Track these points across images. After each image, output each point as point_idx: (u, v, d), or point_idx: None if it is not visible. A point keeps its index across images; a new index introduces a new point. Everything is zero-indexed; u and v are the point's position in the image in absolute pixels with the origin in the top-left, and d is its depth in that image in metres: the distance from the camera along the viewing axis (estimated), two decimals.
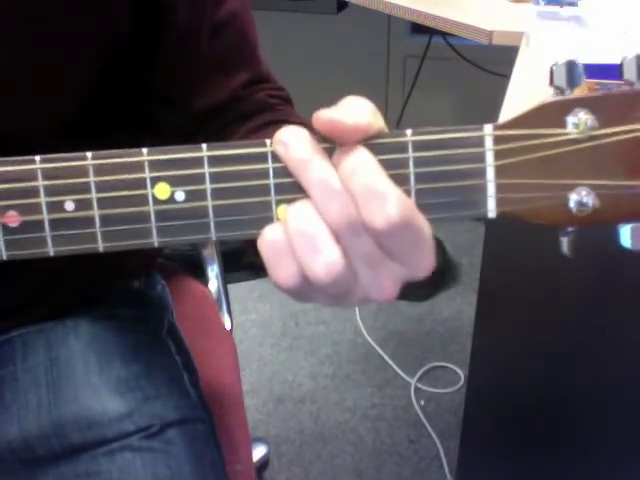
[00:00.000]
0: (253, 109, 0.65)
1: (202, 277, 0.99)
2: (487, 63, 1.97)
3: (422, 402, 1.66)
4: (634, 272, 0.87)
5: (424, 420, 1.60)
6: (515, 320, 0.97)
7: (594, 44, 0.99)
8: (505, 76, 0.96)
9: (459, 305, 1.95)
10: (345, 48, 2.28)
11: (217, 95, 0.65)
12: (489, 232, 0.93)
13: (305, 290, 0.39)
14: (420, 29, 1.78)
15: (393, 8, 1.39)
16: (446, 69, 2.12)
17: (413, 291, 1.94)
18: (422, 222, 0.37)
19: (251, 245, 0.42)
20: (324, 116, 0.37)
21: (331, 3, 1.86)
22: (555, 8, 1.16)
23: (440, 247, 2.02)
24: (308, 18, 2.10)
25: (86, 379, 0.68)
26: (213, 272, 1.00)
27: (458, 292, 2.00)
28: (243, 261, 1.94)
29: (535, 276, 0.93)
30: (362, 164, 0.37)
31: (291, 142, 0.38)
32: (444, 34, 1.87)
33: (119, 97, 0.64)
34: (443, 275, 2.02)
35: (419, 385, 1.70)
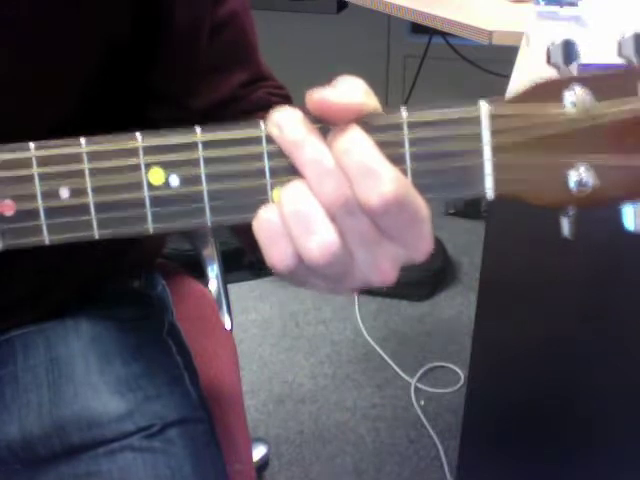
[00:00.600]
0: (252, 107, 0.65)
1: (202, 277, 0.99)
2: (487, 63, 1.97)
3: (422, 402, 1.66)
4: (634, 272, 0.87)
5: (424, 420, 1.60)
6: (515, 320, 0.97)
7: (594, 44, 0.99)
8: (505, 76, 0.96)
9: (459, 305, 1.95)
10: (345, 48, 2.28)
11: (216, 94, 0.65)
12: (489, 232, 0.93)
13: (301, 272, 0.38)
14: (420, 29, 1.79)
15: (393, 8, 1.40)
16: (446, 69, 2.12)
17: (413, 291, 1.94)
18: (419, 201, 0.37)
19: (247, 242, 0.42)
20: (316, 96, 0.37)
21: (331, 3, 1.87)
22: (555, 8, 1.16)
23: (440, 247, 2.02)
24: (308, 18, 2.10)
25: (86, 379, 0.68)
26: (213, 272, 1.00)
27: (458, 292, 2.00)
28: (243, 261, 1.94)
29: (535, 276, 0.93)
30: (356, 143, 0.37)
31: (285, 123, 0.38)
32: (444, 34, 1.87)
33: (118, 96, 0.64)
34: (443, 275, 2.02)
35: (419, 385, 1.70)
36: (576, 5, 1.14)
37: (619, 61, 0.38)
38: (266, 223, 0.38)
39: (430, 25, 1.34)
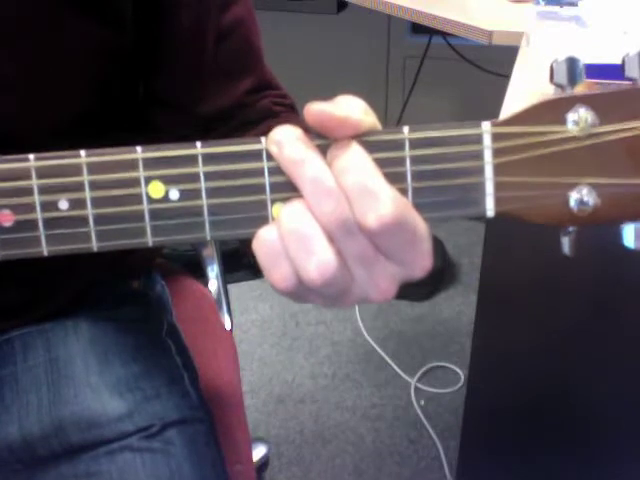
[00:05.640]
0: (257, 116, 0.65)
1: (202, 277, 0.99)
2: (487, 63, 1.97)
3: (422, 402, 1.66)
4: (635, 272, 0.87)
5: (424, 420, 1.60)
6: (515, 320, 0.97)
7: (594, 44, 0.99)
8: (505, 76, 0.96)
9: (459, 305, 1.95)
10: (345, 48, 2.28)
11: (221, 101, 0.65)
12: (489, 232, 0.93)
13: (301, 291, 0.38)
14: (420, 29, 1.78)
15: (393, 8, 1.40)
16: (446, 69, 2.12)
17: (413, 291, 1.94)
18: (417, 221, 0.37)
19: (248, 246, 0.42)
20: (315, 108, 0.37)
21: (331, 3, 1.86)
22: (555, 8, 1.16)
23: (440, 247, 2.02)
24: (308, 18, 2.10)
25: (86, 379, 0.68)
26: (213, 272, 1.00)
27: (458, 292, 2.00)
28: (243, 261, 1.94)
29: (535, 276, 0.93)
30: (355, 162, 0.36)
31: (284, 141, 0.37)
32: (444, 34, 1.87)
33: (121, 101, 0.63)
34: (443, 275, 2.02)
35: (419, 385, 1.70)
36: (576, 5, 1.14)
37: (619, 61, 0.38)
38: (266, 243, 0.37)
39: (430, 25, 1.34)
